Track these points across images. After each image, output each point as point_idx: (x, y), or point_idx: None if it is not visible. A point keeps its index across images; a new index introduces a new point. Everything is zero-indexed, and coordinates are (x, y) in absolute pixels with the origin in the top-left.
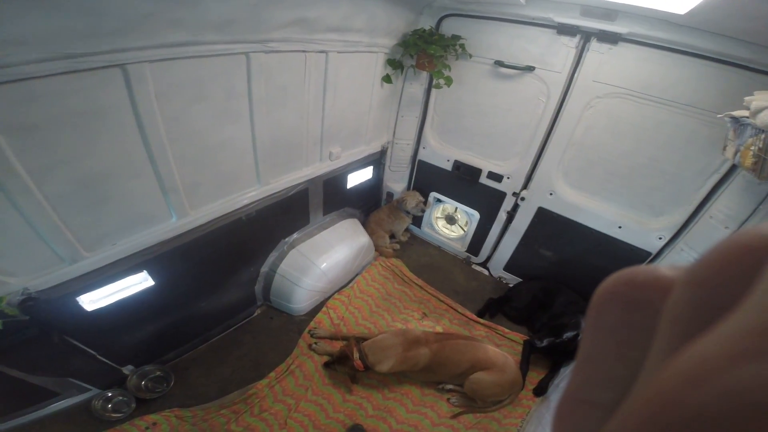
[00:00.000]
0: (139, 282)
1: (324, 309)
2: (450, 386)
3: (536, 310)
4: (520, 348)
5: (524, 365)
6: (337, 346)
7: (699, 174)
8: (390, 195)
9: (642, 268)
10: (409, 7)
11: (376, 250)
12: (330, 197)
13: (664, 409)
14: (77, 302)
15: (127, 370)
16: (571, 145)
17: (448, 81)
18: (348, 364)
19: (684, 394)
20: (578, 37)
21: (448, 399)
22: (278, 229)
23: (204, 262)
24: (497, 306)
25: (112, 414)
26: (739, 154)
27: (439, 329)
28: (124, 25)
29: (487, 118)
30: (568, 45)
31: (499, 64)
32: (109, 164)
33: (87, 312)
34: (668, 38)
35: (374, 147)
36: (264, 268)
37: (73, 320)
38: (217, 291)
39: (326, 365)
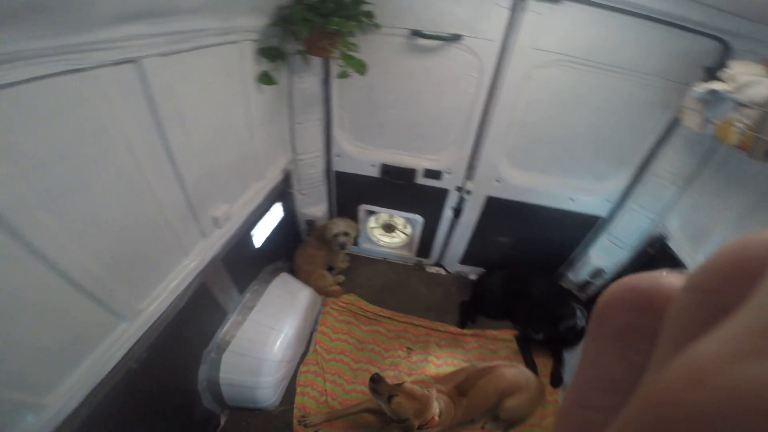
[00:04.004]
0: None
1: (299, 390)
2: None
3: (512, 301)
4: (515, 346)
5: (530, 362)
6: (339, 426)
7: (637, 136)
8: (311, 223)
9: (646, 275)
10: None
11: (320, 294)
12: (239, 271)
13: (664, 409)
14: None
15: None
16: (513, 124)
17: (361, 67)
18: (423, 413)
19: (685, 393)
20: None
21: (482, 427)
22: (191, 344)
23: (118, 429)
24: (473, 308)
25: None
26: (712, 127)
27: (432, 359)
28: None
29: (409, 106)
30: (501, 5)
31: (417, 34)
32: None
33: None
34: None
35: (273, 177)
36: (201, 386)
37: None
38: (162, 428)
39: (376, 380)
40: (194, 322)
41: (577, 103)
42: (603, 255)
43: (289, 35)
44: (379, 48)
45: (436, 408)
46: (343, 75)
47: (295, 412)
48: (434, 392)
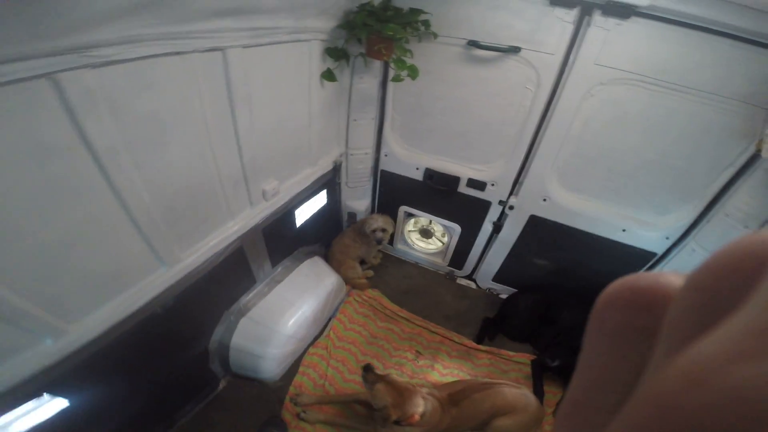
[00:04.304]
0: (46, 403)
1: (301, 369)
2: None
3: (538, 326)
4: (528, 370)
5: (539, 388)
6: (327, 410)
7: (711, 168)
8: (352, 215)
9: (645, 274)
10: None
11: (347, 284)
12: (276, 245)
13: (664, 410)
14: None
15: None
16: (568, 142)
17: (413, 71)
18: (401, 406)
19: (684, 393)
20: (577, 9)
21: None
22: (215, 302)
23: (124, 367)
24: (495, 326)
25: None
26: None
27: (438, 367)
28: None
29: (460, 114)
30: (565, 20)
31: (473, 45)
32: None
33: None
34: (700, 14)
35: (324, 166)
36: (212, 345)
37: None
38: (159, 382)
39: (368, 369)
40: (224, 282)
41: (644, 125)
42: None
43: (353, 38)
44: (435, 56)
45: (419, 406)
46: (396, 78)
47: (291, 389)
48: (422, 391)
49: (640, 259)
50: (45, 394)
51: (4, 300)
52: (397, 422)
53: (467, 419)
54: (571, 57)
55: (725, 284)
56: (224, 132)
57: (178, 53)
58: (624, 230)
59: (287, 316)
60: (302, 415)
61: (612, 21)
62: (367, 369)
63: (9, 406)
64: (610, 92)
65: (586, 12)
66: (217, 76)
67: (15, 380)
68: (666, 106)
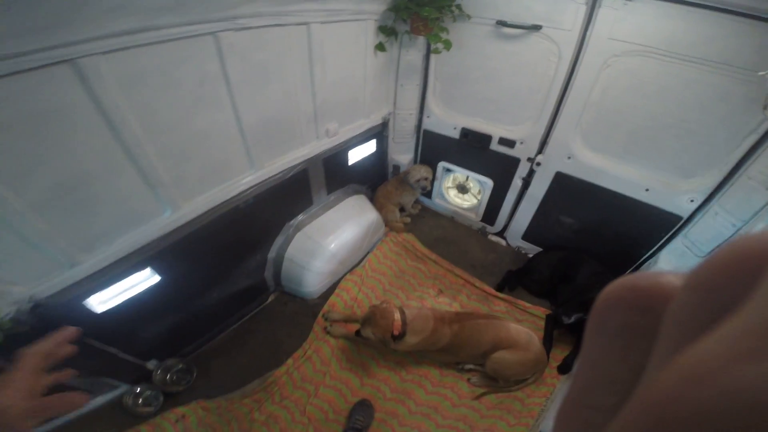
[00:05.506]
0: (145, 279)
1: (336, 291)
2: (470, 366)
3: (558, 282)
4: (542, 323)
5: (547, 341)
6: (351, 328)
7: (733, 134)
8: (396, 168)
9: (644, 274)
10: None
11: (386, 225)
12: (332, 175)
13: (664, 409)
14: (86, 305)
15: (151, 365)
16: (589, 108)
17: (447, 44)
18: (381, 325)
19: (684, 393)
20: None
21: (468, 379)
22: (280, 212)
23: (208, 253)
24: (517, 278)
25: (143, 408)
26: None
27: (456, 306)
28: (57, 17)
29: (493, 82)
30: (577, 1)
31: (501, 24)
32: (86, 165)
33: (98, 314)
34: None
35: (375, 120)
36: (271, 254)
37: (86, 323)
38: (227, 280)
39: (357, 333)
40: (290, 195)
41: (661, 93)
42: (673, 259)
43: (400, 19)
44: (470, 33)
45: (392, 313)
46: (435, 50)
47: (325, 307)
48: (399, 306)
49: (666, 222)
50: (148, 267)
51: (156, 170)
52: (393, 337)
53: (468, 342)
54: (587, 33)
55: (725, 283)
56: (304, 81)
57: (280, 25)
58: (647, 190)
59: (332, 236)
60: (328, 328)
61: (619, 1)
62: (357, 333)
63: (122, 275)
64: (626, 63)
65: None
66: (302, 42)
67: (135, 246)
68: (680, 75)
